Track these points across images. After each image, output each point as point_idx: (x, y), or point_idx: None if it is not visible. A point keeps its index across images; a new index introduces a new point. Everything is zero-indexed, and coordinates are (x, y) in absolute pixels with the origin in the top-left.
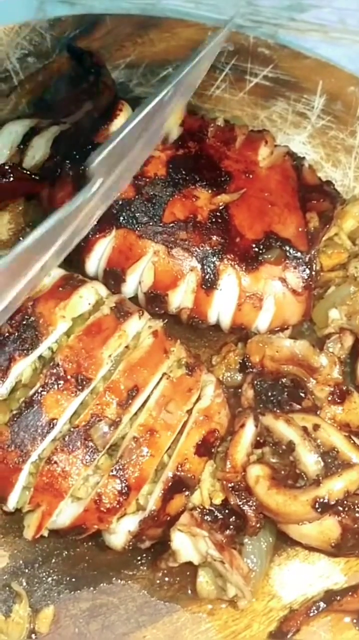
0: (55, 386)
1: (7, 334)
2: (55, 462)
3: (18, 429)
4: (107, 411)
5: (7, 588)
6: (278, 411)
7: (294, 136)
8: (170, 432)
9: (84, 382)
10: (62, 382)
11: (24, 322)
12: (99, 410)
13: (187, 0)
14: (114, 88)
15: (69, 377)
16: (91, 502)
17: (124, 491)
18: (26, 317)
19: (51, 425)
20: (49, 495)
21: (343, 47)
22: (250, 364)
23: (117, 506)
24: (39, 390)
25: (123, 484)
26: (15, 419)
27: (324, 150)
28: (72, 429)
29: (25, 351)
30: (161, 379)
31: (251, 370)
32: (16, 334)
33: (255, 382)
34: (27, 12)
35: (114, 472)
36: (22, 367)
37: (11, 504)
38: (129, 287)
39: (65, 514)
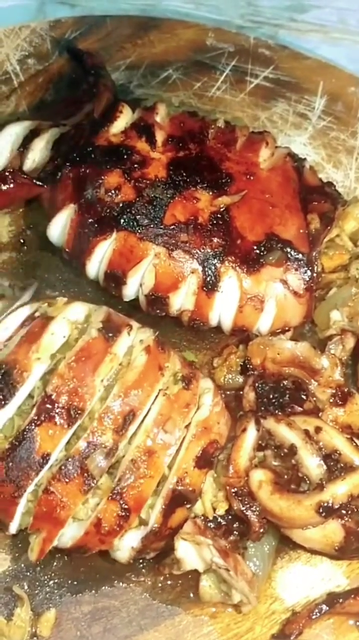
0: (48, 419)
1: None
2: (53, 492)
3: (12, 464)
4: (103, 438)
5: (9, 591)
6: (280, 414)
7: (295, 137)
8: (169, 451)
9: (77, 414)
10: (54, 414)
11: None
12: (94, 438)
13: (187, 1)
14: (114, 90)
15: (60, 409)
16: (90, 526)
17: (123, 514)
18: (1, 367)
19: (45, 460)
20: (49, 524)
21: (343, 48)
22: (251, 366)
23: (118, 528)
24: (31, 424)
25: (122, 507)
26: (8, 453)
27: (325, 151)
28: (68, 459)
29: (2, 402)
30: (157, 395)
31: (252, 372)
32: None
33: (256, 384)
34: (27, 13)
35: (114, 496)
36: (2, 418)
37: (12, 530)
38: (130, 290)
39: (66, 536)
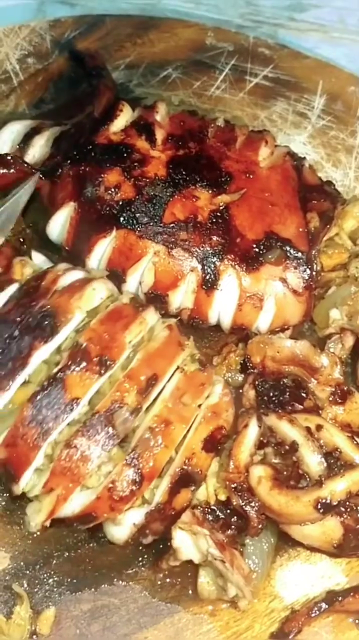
0: (79, 366)
1: (26, 324)
2: (75, 446)
3: (40, 406)
4: (127, 398)
5: (8, 589)
6: (281, 412)
7: (294, 136)
8: (184, 425)
9: (108, 363)
10: (85, 362)
11: (42, 312)
12: (119, 397)
13: (187, 1)
14: (115, 90)
15: (92, 357)
16: (104, 490)
17: (137, 480)
18: (44, 307)
19: (73, 405)
20: (66, 480)
21: (343, 47)
22: (251, 365)
23: (130, 495)
24: (63, 369)
25: (137, 473)
26: (37, 396)
27: (325, 150)
28: (94, 414)
29: (45, 338)
30: (174, 372)
31: (252, 371)
32: (35, 323)
33: (256, 382)
34: (27, 13)
35: (129, 461)
36: (43, 355)
37: (23, 483)
38: (129, 288)
39: (76, 501)
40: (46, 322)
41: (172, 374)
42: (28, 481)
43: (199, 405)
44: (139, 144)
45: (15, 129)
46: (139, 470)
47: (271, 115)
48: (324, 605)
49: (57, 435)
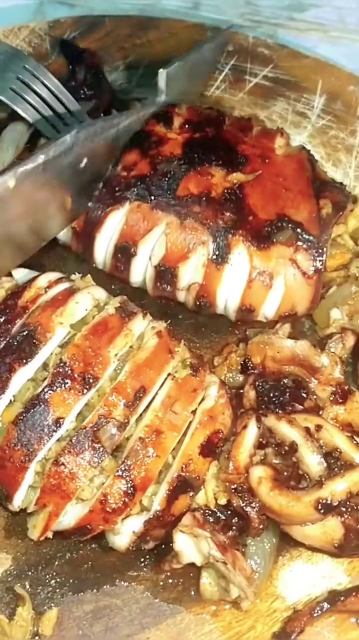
0: (62, 385)
1: (6, 345)
2: (63, 464)
3: (24, 428)
4: (115, 412)
5: (10, 591)
6: (280, 412)
7: (294, 136)
8: (176, 433)
9: (91, 381)
10: (69, 380)
11: (22, 332)
12: (106, 412)
13: (186, 1)
14: (108, 86)
15: (75, 375)
16: (96, 503)
17: (129, 491)
18: (24, 326)
19: (58, 424)
20: (56, 497)
21: (342, 47)
22: (251, 365)
23: (123, 506)
24: (46, 389)
25: (129, 484)
26: (21, 417)
27: (325, 149)
28: (79, 430)
29: (24, 360)
30: (166, 379)
31: (252, 371)
32: (15, 344)
33: (257, 383)
34: (26, 13)
35: (120, 473)
36: (24, 376)
37: (17, 502)
38: (139, 262)
39: (70, 514)
40: (25, 343)
41: (163, 382)
42: (24, 498)
43: (194, 411)
44: (157, 129)
45: (18, 129)
46: (131, 482)
47: (271, 115)
48: (326, 605)
49: (44, 454)
